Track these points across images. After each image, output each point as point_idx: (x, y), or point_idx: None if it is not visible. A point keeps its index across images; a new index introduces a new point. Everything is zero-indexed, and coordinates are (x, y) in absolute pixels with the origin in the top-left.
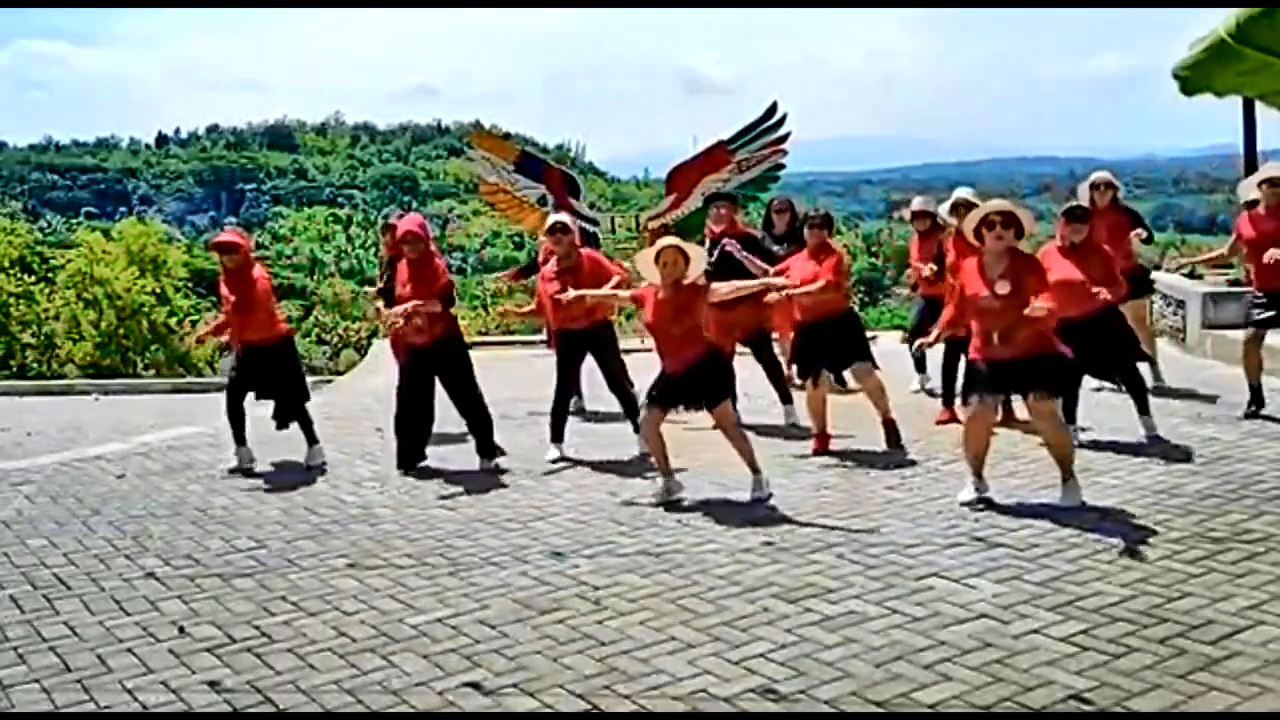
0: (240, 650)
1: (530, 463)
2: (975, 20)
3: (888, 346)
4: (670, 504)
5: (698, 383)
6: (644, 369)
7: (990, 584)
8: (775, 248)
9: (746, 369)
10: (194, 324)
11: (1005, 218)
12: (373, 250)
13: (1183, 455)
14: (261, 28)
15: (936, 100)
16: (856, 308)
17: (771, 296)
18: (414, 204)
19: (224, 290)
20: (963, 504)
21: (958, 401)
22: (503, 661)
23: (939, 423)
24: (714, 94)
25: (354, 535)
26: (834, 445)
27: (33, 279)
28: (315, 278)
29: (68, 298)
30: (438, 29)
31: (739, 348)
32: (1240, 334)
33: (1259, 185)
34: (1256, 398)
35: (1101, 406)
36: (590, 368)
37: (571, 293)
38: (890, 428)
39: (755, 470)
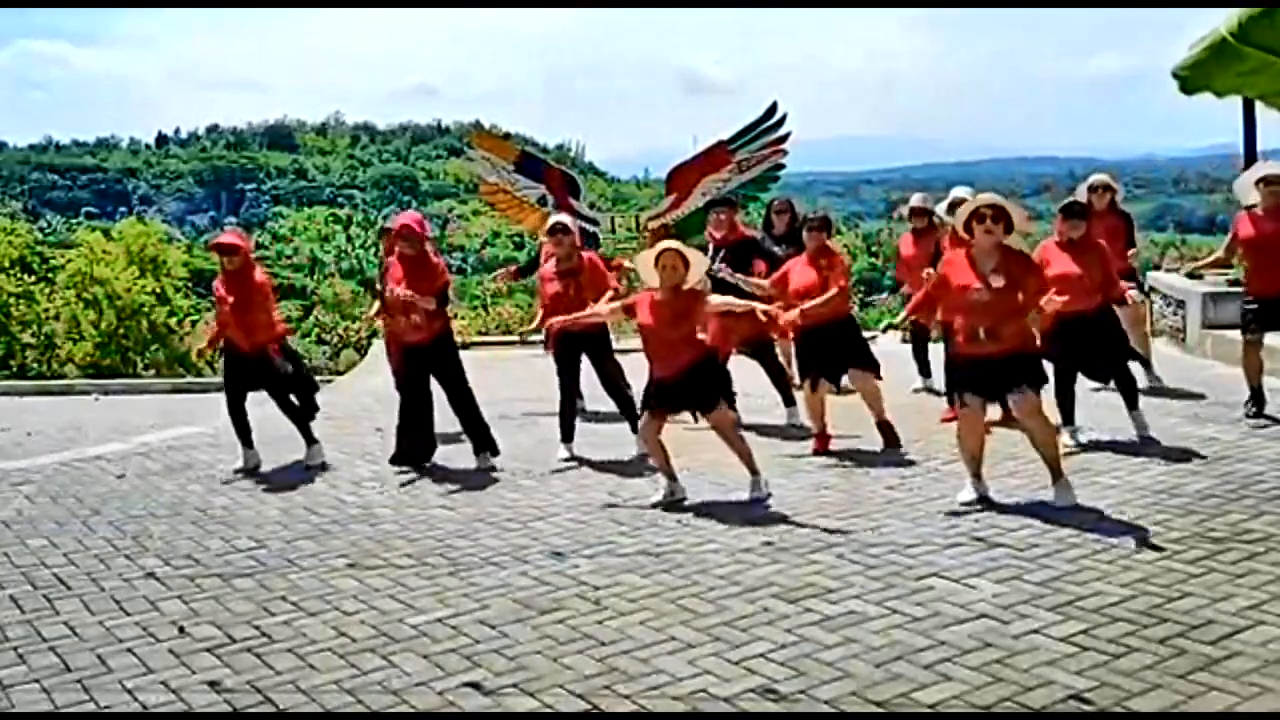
0: (240, 650)
1: (530, 463)
2: (975, 20)
3: (887, 346)
4: (671, 504)
5: (692, 388)
6: (640, 370)
7: (990, 584)
8: (775, 249)
9: (746, 369)
10: (194, 324)
11: (996, 211)
12: (373, 250)
13: (1183, 455)
14: (261, 28)
15: (936, 100)
16: (857, 307)
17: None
18: (414, 204)
19: (221, 291)
20: (962, 504)
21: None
22: (503, 661)
23: (944, 420)
24: (714, 94)
25: (354, 535)
26: (834, 445)
27: (33, 279)
28: (315, 278)
29: (68, 298)
30: (438, 29)
31: (737, 350)
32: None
33: (1256, 185)
34: (1257, 399)
35: (1101, 406)
36: (588, 367)
37: (559, 319)
38: (886, 429)
39: (754, 472)
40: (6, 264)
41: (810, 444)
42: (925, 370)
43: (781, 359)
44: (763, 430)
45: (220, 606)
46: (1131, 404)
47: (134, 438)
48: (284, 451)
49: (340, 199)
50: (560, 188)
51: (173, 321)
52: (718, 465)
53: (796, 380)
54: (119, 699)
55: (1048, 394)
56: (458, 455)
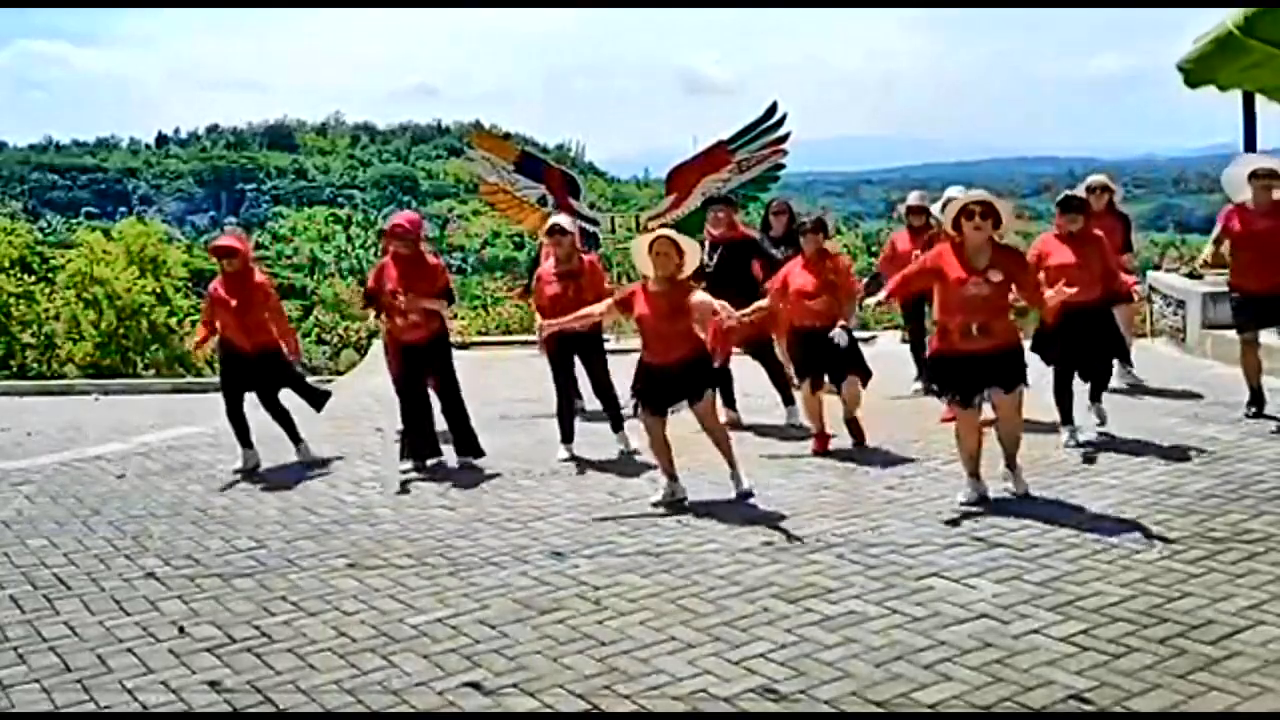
0: (240, 650)
1: (530, 463)
2: (975, 20)
3: (886, 346)
4: (671, 504)
5: (684, 379)
6: (625, 370)
7: (990, 584)
8: (773, 250)
9: (746, 369)
10: (194, 324)
11: (984, 208)
12: (373, 250)
13: (1183, 455)
14: (261, 28)
15: (936, 100)
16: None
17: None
18: (414, 204)
19: (221, 293)
20: (962, 504)
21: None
22: (503, 661)
23: (944, 420)
24: (714, 94)
25: (354, 535)
26: (834, 445)
27: (33, 279)
28: (315, 278)
29: (68, 298)
30: (438, 29)
31: (736, 349)
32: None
33: (1248, 180)
34: (1257, 399)
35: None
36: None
37: (552, 323)
38: (854, 426)
39: (732, 465)
40: (6, 264)
41: (810, 444)
42: (924, 370)
43: (781, 358)
44: (762, 430)
45: (220, 606)
46: (1096, 396)
47: (134, 438)
48: (283, 451)
49: (340, 199)
50: (560, 188)
51: (173, 321)
52: (718, 465)
53: (795, 380)
54: (119, 699)
55: (1046, 394)
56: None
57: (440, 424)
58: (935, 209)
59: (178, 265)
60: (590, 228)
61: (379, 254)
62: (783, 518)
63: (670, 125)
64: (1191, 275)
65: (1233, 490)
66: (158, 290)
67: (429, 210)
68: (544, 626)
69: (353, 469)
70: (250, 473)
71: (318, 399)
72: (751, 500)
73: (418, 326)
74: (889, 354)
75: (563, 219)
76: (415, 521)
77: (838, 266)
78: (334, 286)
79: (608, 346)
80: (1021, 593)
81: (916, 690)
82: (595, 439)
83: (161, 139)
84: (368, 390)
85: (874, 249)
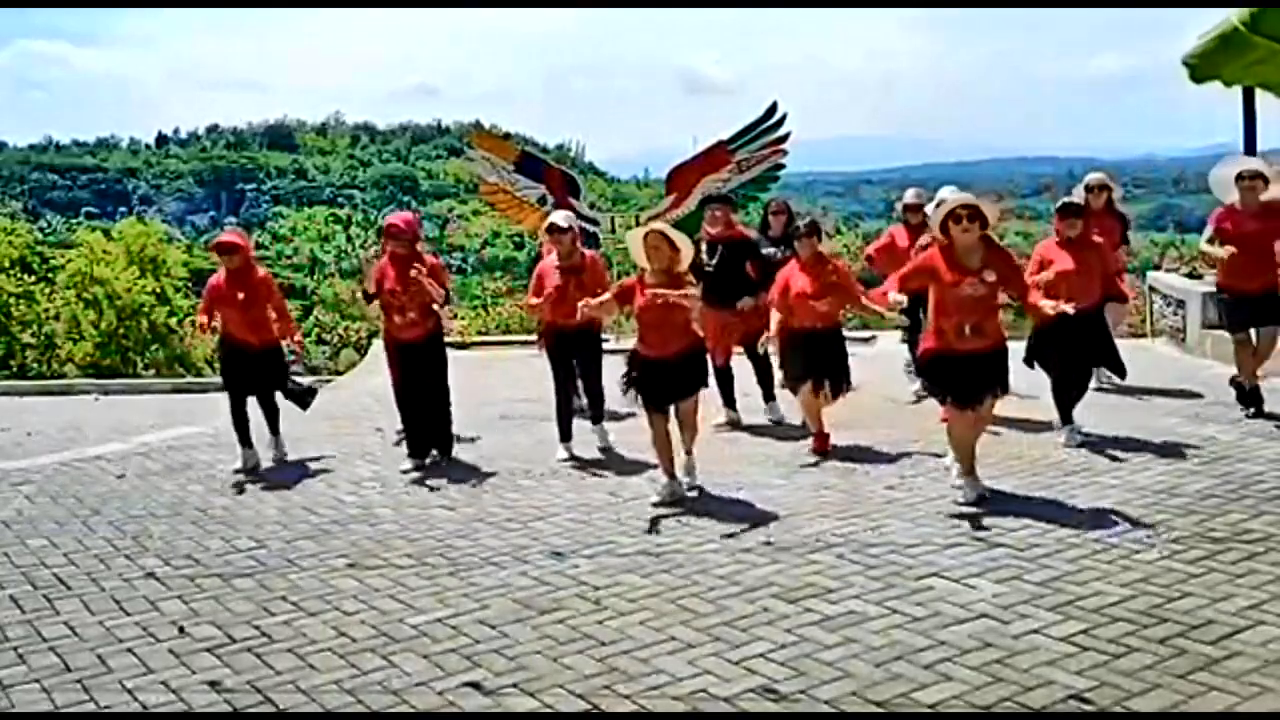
0: (240, 650)
1: (530, 463)
2: (975, 20)
3: (887, 346)
4: (671, 504)
5: (683, 372)
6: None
7: (990, 584)
8: (772, 250)
9: (746, 368)
10: (194, 324)
11: (970, 211)
12: (373, 250)
13: (1182, 455)
14: (261, 28)
15: (936, 100)
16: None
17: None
18: (414, 204)
19: (225, 289)
20: (961, 503)
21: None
22: (503, 661)
23: (943, 420)
24: (714, 94)
25: (354, 535)
26: (834, 445)
27: (33, 279)
28: (315, 278)
29: (68, 298)
30: (438, 29)
31: (736, 350)
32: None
33: (1235, 181)
34: (1254, 398)
35: (1102, 406)
36: None
37: (589, 301)
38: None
39: (688, 453)
40: (6, 264)
41: (809, 444)
42: (917, 370)
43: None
44: (762, 430)
45: (220, 606)
46: (1077, 399)
47: (134, 438)
48: (288, 450)
49: (340, 199)
50: (560, 188)
51: (173, 321)
52: (718, 465)
53: (785, 383)
54: (119, 699)
55: (1046, 395)
56: (458, 455)
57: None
58: (930, 209)
59: (178, 265)
60: (590, 228)
61: (378, 254)
62: (783, 518)
63: (670, 125)
64: (1191, 275)
65: (1233, 490)
66: (158, 290)
67: (429, 210)
68: (544, 626)
69: (353, 469)
70: (249, 472)
71: (304, 400)
72: (752, 500)
73: (415, 325)
74: (889, 354)
75: (559, 217)
76: (415, 521)
77: (839, 270)
78: (334, 286)
79: (607, 346)
80: (1021, 593)
81: (916, 690)
82: (595, 439)
83: (161, 139)
84: (368, 390)
85: None
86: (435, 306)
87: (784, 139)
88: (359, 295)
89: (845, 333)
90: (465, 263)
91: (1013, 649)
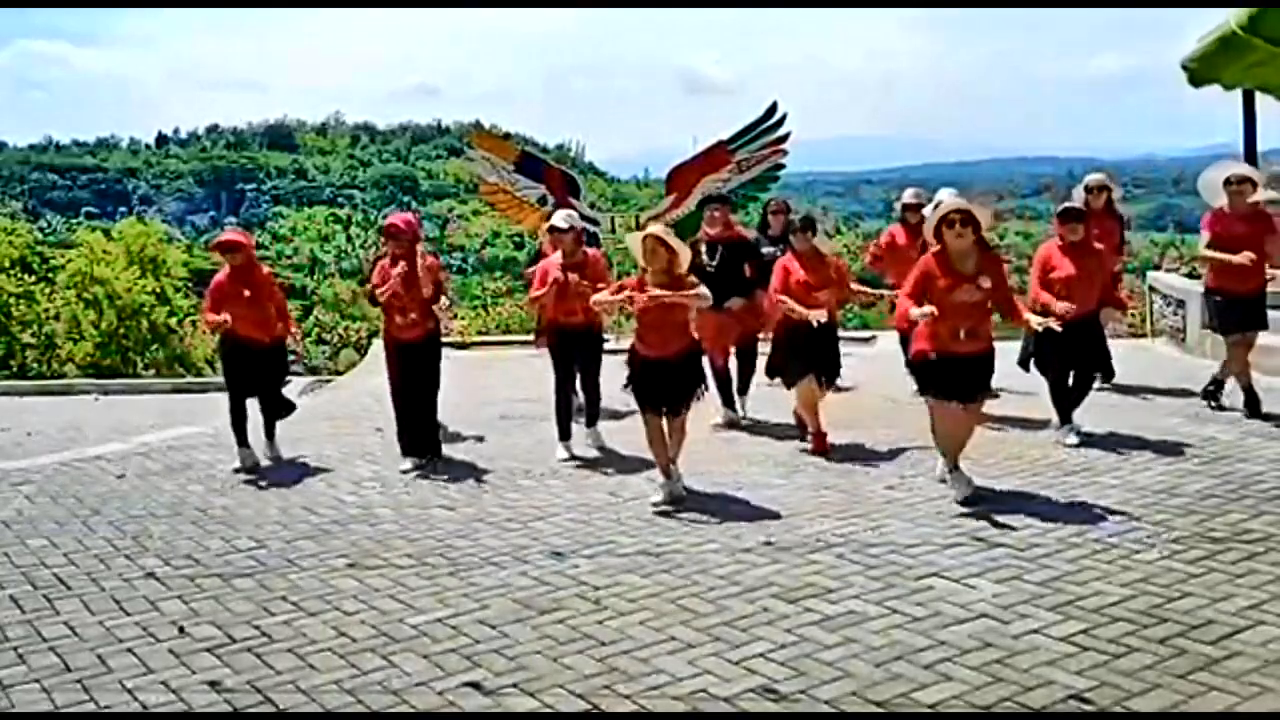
0: (240, 650)
1: (530, 463)
2: (975, 20)
3: (887, 346)
4: (671, 504)
5: (681, 373)
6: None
7: (990, 584)
8: (771, 250)
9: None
10: (194, 324)
11: (964, 216)
12: (373, 251)
13: (1182, 455)
14: (261, 28)
15: (936, 100)
16: (858, 306)
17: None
18: (414, 204)
19: (231, 287)
20: (959, 502)
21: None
22: (503, 661)
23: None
24: (714, 94)
25: (354, 535)
26: (833, 445)
27: (33, 279)
28: (315, 278)
29: (68, 298)
30: (438, 29)
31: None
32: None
33: (1223, 185)
34: (1251, 398)
35: (1102, 406)
36: None
37: (601, 294)
38: (800, 420)
39: (674, 462)
40: (6, 264)
41: (809, 444)
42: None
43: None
44: (762, 430)
45: (220, 606)
46: (1077, 403)
47: (134, 438)
48: (282, 451)
49: (340, 199)
50: (560, 188)
51: (173, 321)
52: (717, 465)
53: (765, 381)
54: (119, 699)
55: (1045, 395)
56: (458, 455)
57: (442, 424)
58: (927, 210)
59: (178, 265)
60: (590, 228)
61: (379, 254)
62: (783, 518)
63: (670, 125)
64: (1191, 275)
65: (1233, 490)
66: (158, 290)
67: (429, 210)
68: (544, 626)
69: (353, 469)
70: (249, 472)
71: (283, 411)
72: (752, 500)
73: (415, 325)
74: (889, 354)
75: (558, 218)
76: (415, 521)
77: (839, 267)
78: (334, 286)
79: (608, 346)
80: (1021, 593)
81: (916, 690)
82: (589, 440)
83: (161, 139)
84: (368, 390)
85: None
86: (436, 307)
87: (784, 139)
88: (364, 297)
89: (845, 333)
90: (465, 263)
91: (1013, 649)
